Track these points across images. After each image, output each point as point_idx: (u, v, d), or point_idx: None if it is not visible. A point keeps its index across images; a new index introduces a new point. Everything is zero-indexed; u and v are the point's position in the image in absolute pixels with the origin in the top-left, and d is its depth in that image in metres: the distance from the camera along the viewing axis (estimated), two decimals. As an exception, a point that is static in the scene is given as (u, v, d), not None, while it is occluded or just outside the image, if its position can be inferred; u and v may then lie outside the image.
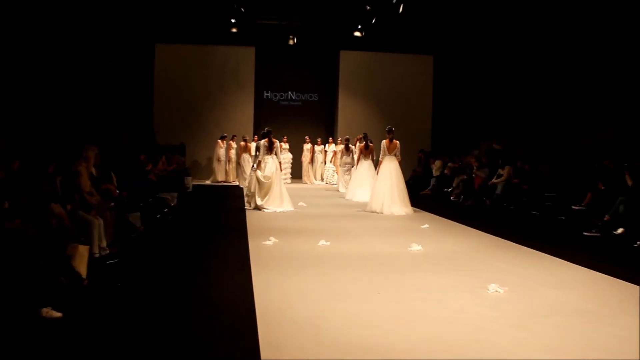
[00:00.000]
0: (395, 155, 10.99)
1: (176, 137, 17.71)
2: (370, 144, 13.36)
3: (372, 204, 10.81)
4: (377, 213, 10.52)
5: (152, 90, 18.46)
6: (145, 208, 8.40)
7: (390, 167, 10.87)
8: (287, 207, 10.81)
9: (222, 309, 4.44)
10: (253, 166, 11.32)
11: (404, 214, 10.51)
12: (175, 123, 18.43)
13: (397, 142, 11.07)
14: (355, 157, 14.07)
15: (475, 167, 13.38)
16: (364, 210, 10.84)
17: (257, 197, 10.77)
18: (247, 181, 12.06)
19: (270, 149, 10.99)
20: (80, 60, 16.52)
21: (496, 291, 4.96)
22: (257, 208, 10.72)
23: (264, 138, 11.13)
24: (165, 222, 9.09)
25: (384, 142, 11.14)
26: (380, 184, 10.86)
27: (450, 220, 9.95)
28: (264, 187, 10.78)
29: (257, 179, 10.83)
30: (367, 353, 3.56)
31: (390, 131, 11.09)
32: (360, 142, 13.81)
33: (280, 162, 11.21)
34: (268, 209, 10.63)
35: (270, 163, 10.91)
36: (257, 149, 11.16)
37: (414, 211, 10.88)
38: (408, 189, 10.95)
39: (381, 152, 11.14)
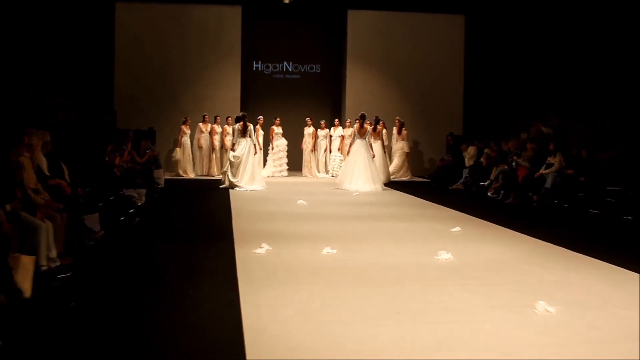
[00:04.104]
0: (366, 139, 14.56)
1: (144, 120, 17.71)
2: (371, 126, 15.41)
3: (342, 182, 14.38)
4: (345, 190, 13.91)
5: (112, 60, 18.45)
6: (105, 208, 8.43)
7: (361, 146, 14.49)
8: (258, 186, 14.06)
9: (202, 336, 4.44)
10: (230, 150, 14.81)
11: (368, 190, 13.81)
12: (142, 102, 18.46)
13: (368, 126, 14.67)
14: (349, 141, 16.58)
15: (527, 156, 13.27)
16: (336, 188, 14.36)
17: (229, 174, 14.15)
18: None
19: (243, 133, 14.24)
20: (22, 20, 16.46)
21: (546, 310, 4.97)
22: (231, 187, 13.98)
23: (238, 122, 14.47)
24: (131, 225, 9.12)
25: (355, 127, 14.99)
26: (349, 163, 14.60)
27: (487, 221, 9.97)
28: (233, 165, 14.21)
29: (229, 159, 14.39)
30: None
31: (362, 117, 14.60)
32: (370, 125, 15.31)
33: (255, 145, 14.54)
34: (240, 188, 13.85)
35: (242, 144, 14.25)
36: (233, 133, 14.68)
37: (383, 189, 14.18)
38: (435, 182, 12.28)
39: (352, 136, 14.90)
